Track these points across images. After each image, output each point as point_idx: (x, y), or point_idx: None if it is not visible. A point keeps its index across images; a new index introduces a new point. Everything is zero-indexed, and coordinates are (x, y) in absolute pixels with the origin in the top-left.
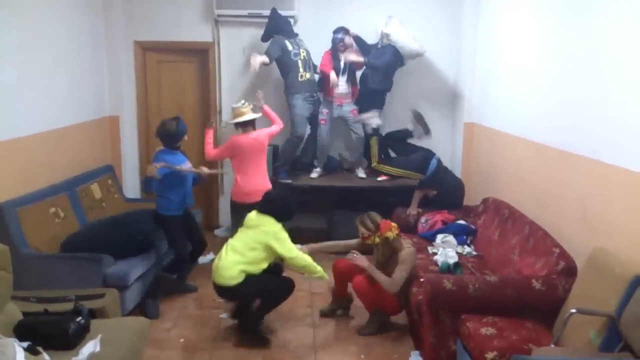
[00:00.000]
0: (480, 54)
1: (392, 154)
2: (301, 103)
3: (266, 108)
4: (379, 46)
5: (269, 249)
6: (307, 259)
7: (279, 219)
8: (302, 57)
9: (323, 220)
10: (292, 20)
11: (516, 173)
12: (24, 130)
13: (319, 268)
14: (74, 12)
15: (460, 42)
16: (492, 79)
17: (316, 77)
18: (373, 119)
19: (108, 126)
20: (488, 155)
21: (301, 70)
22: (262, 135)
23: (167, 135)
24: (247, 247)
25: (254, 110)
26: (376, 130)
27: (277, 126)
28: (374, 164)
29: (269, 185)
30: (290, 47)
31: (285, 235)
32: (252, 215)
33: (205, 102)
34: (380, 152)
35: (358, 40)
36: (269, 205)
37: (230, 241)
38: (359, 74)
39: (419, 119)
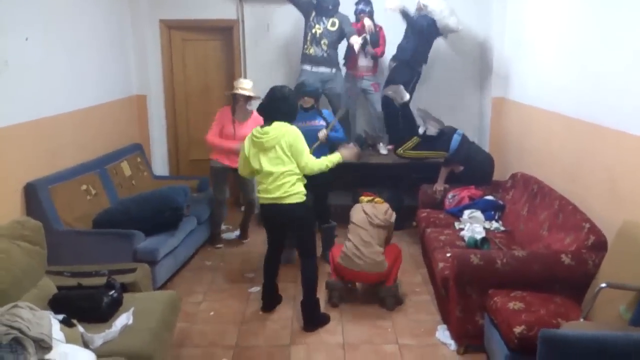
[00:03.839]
0: (508, 27)
1: None
2: (307, 73)
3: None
4: (415, 18)
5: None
6: (323, 162)
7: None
8: (314, 32)
9: (349, 198)
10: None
11: (545, 147)
12: (52, 110)
13: (335, 157)
14: None
15: (488, 16)
16: (520, 52)
17: (339, 54)
18: (402, 93)
19: (135, 105)
20: (516, 129)
21: (308, 42)
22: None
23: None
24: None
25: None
26: (405, 104)
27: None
28: (399, 152)
29: None
30: (312, 16)
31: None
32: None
33: (230, 80)
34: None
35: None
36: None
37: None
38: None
39: (426, 115)
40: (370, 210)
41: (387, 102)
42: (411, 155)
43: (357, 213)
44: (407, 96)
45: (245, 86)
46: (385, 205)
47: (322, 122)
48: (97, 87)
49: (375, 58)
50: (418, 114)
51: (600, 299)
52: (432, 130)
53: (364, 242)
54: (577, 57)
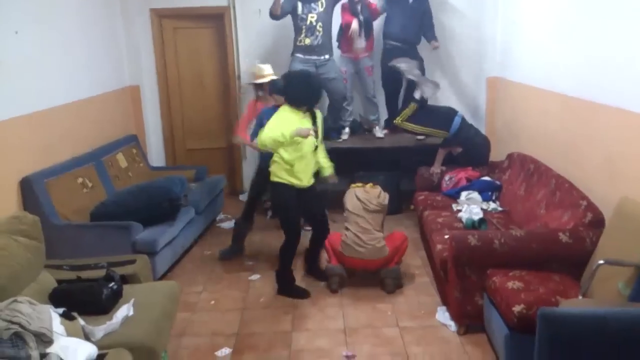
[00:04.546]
0: (502, 5)
1: None
2: (297, 65)
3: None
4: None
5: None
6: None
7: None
8: (308, 22)
9: (346, 183)
10: None
11: (541, 126)
12: (45, 104)
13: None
14: None
15: None
16: (515, 32)
17: (333, 40)
18: (413, 70)
19: (129, 96)
20: (512, 109)
21: (302, 34)
22: None
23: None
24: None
25: (268, 72)
26: (412, 82)
27: None
28: (397, 121)
29: None
30: (299, 10)
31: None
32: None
33: (223, 67)
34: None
35: None
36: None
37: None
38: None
39: (420, 78)
40: (363, 196)
41: (388, 78)
42: (409, 127)
43: (351, 200)
44: (418, 73)
45: (268, 72)
46: (378, 189)
47: None
48: (89, 79)
49: (369, 33)
50: (412, 76)
51: (598, 276)
52: (429, 92)
53: (362, 229)
54: (574, 35)
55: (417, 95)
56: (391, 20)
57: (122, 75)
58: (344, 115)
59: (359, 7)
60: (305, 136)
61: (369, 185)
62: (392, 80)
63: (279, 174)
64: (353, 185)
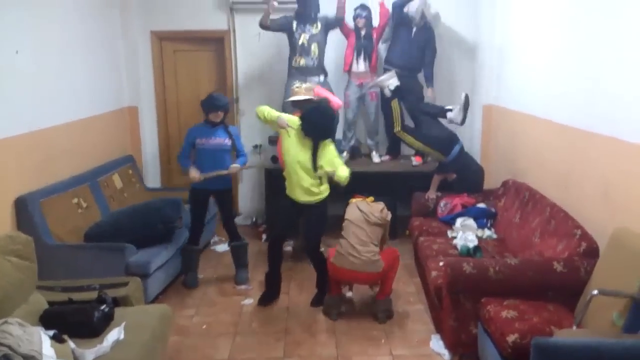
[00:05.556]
0: (498, 34)
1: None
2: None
3: (317, 89)
4: (413, 26)
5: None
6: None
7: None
8: (301, 42)
9: (341, 207)
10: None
11: (536, 154)
12: (43, 123)
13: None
14: (89, 4)
15: (477, 23)
16: (510, 60)
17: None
18: (390, 80)
19: (127, 117)
20: (507, 137)
21: (297, 54)
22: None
23: (201, 104)
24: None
25: (307, 91)
26: (396, 93)
27: (333, 105)
28: (397, 129)
29: None
30: (294, 28)
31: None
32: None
33: (222, 90)
34: (403, 117)
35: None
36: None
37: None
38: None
39: (467, 106)
40: (365, 208)
41: (389, 103)
42: (408, 140)
43: (353, 211)
44: (396, 82)
45: (296, 89)
46: (381, 204)
47: (228, 141)
48: (88, 100)
49: (370, 59)
50: (464, 99)
51: (592, 306)
52: (395, 81)
53: (360, 240)
54: (569, 64)
55: (452, 108)
56: (394, 47)
57: (120, 96)
58: (343, 140)
59: (362, 32)
60: (283, 127)
61: (369, 199)
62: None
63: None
64: (353, 200)
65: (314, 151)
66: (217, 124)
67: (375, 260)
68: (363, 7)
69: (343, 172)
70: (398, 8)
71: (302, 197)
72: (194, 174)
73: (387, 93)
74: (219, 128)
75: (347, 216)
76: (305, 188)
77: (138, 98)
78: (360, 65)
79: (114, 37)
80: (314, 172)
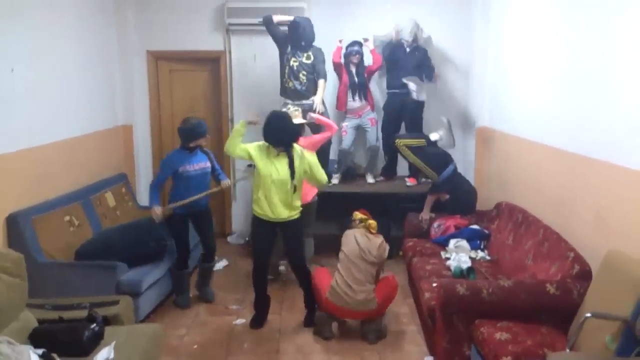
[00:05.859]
0: (491, 58)
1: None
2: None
3: (315, 115)
4: (406, 47)
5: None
6: None
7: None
8: (291, 64)
9: (335, 227)
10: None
11: (530, 177)
12: (38, 140)
13: None
14: (86, 23)
15: (471, 46)
16: (504, 83)
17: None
18: (420, 92)
19: (121, 135)
20: (501, 159)
21: (286, 76)
22: (305, 142)
23: (181, 132)
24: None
25: (303, 115)
26: (420, 103)
27: (329, 131)
28: (398, 142)
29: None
30: (288, 49)
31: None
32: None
33: (217, 111)
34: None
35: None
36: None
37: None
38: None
39: (450, 128)
40: (364, 244)
41: (390, 125)
42: (405, 153)
43: (350, 243)
44: (424, 98)
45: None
46: (380, 239)
47: (208, 163)
48: (83, 118)
49: (365, 96)
50: (446, 123)
51: (585, 328)
52: (424, 96)
53: (355, 279)
54: (563, 88)
55: (432, 137)
56: (391, 70)
57: (115, 114)
58: (337, 164)
59: (355, 70)
60: (253, 122)
61: (371, 224)
62: (393, 123)
63: (253, 205)
64: (356, 213)
65: (290, 162)
66: (193, 149)
67: (370, 299)
68: (355, 43)
69: (321, 176)
70: (387, 48)
71: (283, 214)
72: (158, 211)
73: (414, 96)
74: (197, 152)
75: (343, 247)
76: (287, 203)
77: (133, 117)
78: (357, 102)
79: (110, 56)
80: (291, 180)
